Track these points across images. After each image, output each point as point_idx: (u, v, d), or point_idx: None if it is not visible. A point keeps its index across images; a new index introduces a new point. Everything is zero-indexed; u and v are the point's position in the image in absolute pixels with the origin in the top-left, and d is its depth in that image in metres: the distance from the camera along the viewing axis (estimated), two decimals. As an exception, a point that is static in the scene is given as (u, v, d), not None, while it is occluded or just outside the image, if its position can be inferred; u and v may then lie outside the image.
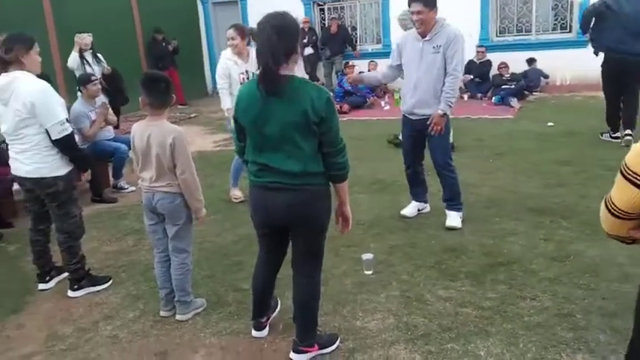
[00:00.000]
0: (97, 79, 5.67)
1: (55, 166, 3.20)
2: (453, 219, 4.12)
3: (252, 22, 11.93)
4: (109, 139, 5.61)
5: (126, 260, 3.95)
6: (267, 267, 2.72)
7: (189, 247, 3.07)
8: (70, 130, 3.21)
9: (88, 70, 6.33)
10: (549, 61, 10.06)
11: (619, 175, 1.25)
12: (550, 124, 7.41)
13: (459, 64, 3.90)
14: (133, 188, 5.68)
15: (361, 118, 9.06)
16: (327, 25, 12.04)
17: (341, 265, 3.61)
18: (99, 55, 6.66)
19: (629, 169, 1.21)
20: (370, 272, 3.46)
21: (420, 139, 4.19)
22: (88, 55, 6.36)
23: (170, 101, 2.91)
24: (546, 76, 10.09)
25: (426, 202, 4.45)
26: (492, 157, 6.02)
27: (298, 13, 12.14)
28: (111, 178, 5.75)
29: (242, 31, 4.86)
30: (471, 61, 10.34)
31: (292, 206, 2.37)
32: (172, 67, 10.95)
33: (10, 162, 3.29)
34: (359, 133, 7.88)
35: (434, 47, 3.87)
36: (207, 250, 3.96)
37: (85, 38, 6.30)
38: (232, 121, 2.54)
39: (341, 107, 9.70)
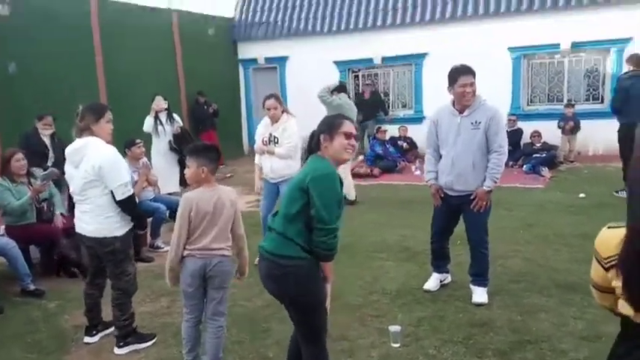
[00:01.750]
0: (140, 142, 6.00)
1: (115, 227, 3.46)
2: (480, 295, 4.10)
3: (289, 87, 12.52)
4: (149, 199, 5.89)
5: (159, 322, 4.08)
6: (293, 338, 2.78)
7: (226, 309, 3.22)
8: (132, 191, 3.49)
9: (160, 130, 6.69)
10: (582, 131, 10.11)
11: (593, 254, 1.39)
12: (582, 195, 7.39)
13: (504, 141, 3.96)
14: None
15: (392, 183, 9.20)
16: (360, 90, 12.45)
17: (368, 335, 3.65)
18: (174, 115, 7.06)
19: (595, 250, 1.37)
20: (397, 345, 3.49)
21: (453, 216, 4.22)
22: (163, 116, 6.78)
23: None
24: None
25: (447, 272, 4.44)
26: (522, 228, 6.02)
27: (334, 79, 12.72)
28: (148, 237, 5.98)
29: (280, 100, 5.17)
30: (502, 129, 10.47)
31: (270, 278, 2.54)
32: (212, 129, 11.44)
33: (75, 221, 3.59)
34: (388, 198, 8.01)
35: (472, 123, 3.93)
36: (236, 314, 4.05)
37: (161, 104, 6.74)
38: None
39: (372, 171, 9.89)
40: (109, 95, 9.53)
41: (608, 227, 1.38)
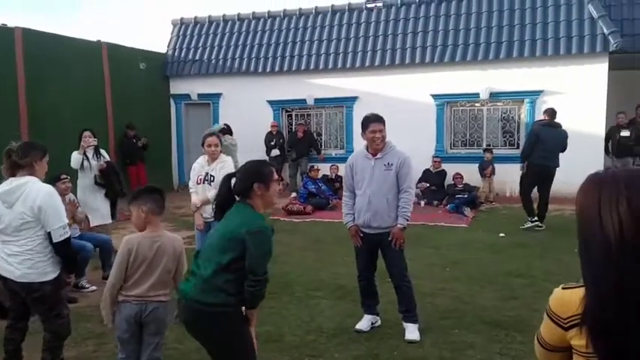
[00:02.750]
0: (66, 178, 5.76)
1: (44, 272, 3.27)
2: (412, 332, 4.25)
3: (221, 123, 12.48)
4: (74, 237, 5.61)
5: (85, 368, 3.87)
6: None
7: (162, 355, 3.12)
8: (69, 233, 3.35)
9: (86, 165, 6.50)
10: (499, 174, 10.83)
11: (545, 313, 1.45)
12: (502, 234, 7.86)
13: (413, 182, 4.40)
14: (95, 287, 5.63)
15: (324, 220, 9.33)
16: (294, 129, 12.68)
17: (305, 376, 3.65)
18: (102, 150, 6.88)
19: (551, 309, 1.42)
20: (334, 385, 3.52)
21: (374, 252, 4.42)
22: (90, 152, 6.58)
23: None
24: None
25: (377, 314, 4.56)
26: (448, 265, 6.30)
27: (267, 117, 12.86)
28: (72, 277, 5.66)
29: (221, 139, 5.19)
30: (427, 171, 11.01)
31: (194, 325, 2.58)
32: (140, 163, 11.15)
33: (0, 262, 3.32)
34: (321, 235, 8.12)
35: (385, 165, 4.25)
36: (169, 357, 3.90)
37: (90, 140, 6.58)
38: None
39: (304, 208, 10.00)
40: (31, 126, 9.10)
41: (563, 288, 1.42)
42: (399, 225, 4.22)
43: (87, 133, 6.70)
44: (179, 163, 13.33)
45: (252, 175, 2.63)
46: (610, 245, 1.27)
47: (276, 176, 2.69)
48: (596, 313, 1.30)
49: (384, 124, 4.27)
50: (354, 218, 4.38)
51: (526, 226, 8.16)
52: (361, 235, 4.35)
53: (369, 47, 12.02)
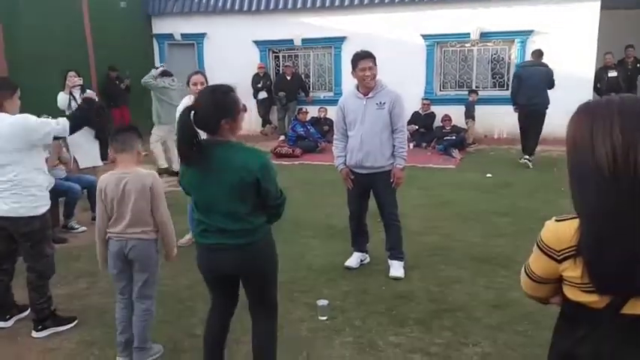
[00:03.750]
0: (48, 117, 5.61)
1: (33, 207, 3.26)
2: (396, 269, 4.32)
3: (208, 65, 12.18)
4: (60, 178, 5.55)
5: (79, 304, 3.91)
6: (220, 315, 2.77)
7: (155, 292, 3.13)
8: (61, 124, 3.40)
9: (74, 106, 6.33)
10: (488, 116, 10.80)
11: (535, 246, 1.45)
12: (489, 175, 7.93)
13: (405, 121, 4.33)
14: (84, 228, 5.64)
15: (313, 163, 9.33)
16: (281, 71, 12.41)
17: (295, 310, 3.73)
18: (88, 90, 6.70)
19: (543, 242, 1.41)
20: (325, 318, 3.60)
21: (366, 192, 4.41)
22: (77, 92, 6.40)
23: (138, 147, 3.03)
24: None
25: (366, 252, 4.63)
26: (438, 205, 6.38)
27: (254, 58, 12.51)
28: (61, 218, 5.66)
29: (206, 77, 5.01)
30: (416, 113, 10.93)
31: (236, 264, 2.52)
32: (124, 105, 10.91)
33: None
34: (310, 177, 8.13)
35: (377, 104, 4.16)
36: (162, 293, 3.92)
37: (75, 80, 6.38)
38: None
39: (293, 151, 9.96)
40: (10, 67, 8.78)
41: (556, 220, 1.40)
42: (397, 165, 4.21)
43: (72, 73, 6.51)
44: (164, 105, 13.05)
45: (217, 111, 2.41)
46: (603, 173, 1.27)
47: (241, 106, 2.55)
48: (591, 241, 1.30)
49: (375, 62, 4.15)
50: (345, 161, 4.34)
51: (522, 161, 8.53)
52: (352, 177, 4.33)
53: (359, -15, 11.62)
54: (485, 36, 11.08)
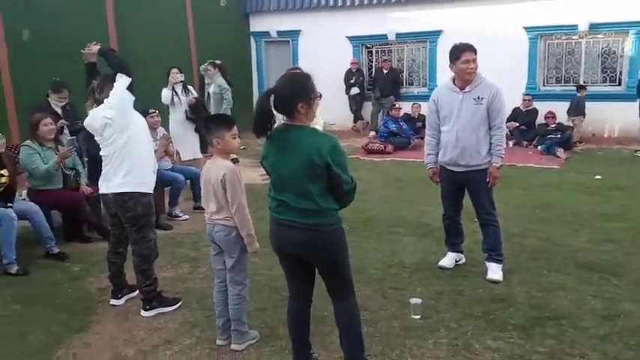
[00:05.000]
0: (154, 112, 5.99)
1: (137, 183, 3.55)
2: (494, 271, 4.13)
3: (302, 61, 12.40)
4: (166, 169, 5.92)
5: (182, 287, 4.14)
6: (297, 299, 2.85)
7: (245, 279, 3.23)
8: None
9: (176, 101, 6.76)
10: (597, 113, 10.04)
11: None
12: (598, 176, 7.38)
13: (504, 117, 4.11)
14: (187, 217, 5.98)
15: (405, 159, 9.19)
16: (374, 66, 12.32)
17: (388, 307, 3.70)
18: (189, 87, 7.15)
19: None
20: (418, 317, 3.53)
21: (461, 190, 4.25)
22: (179, 88, 6.84)
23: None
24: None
25: (462, 252, 4.47)
26: (539, 207, 6.03)
27: (347, 54, 12.52)
28: (167, 206, 6.03)
29: None
30: (517, 109, 10.42)
31: (303, 244, 2.60)
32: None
33: (100, 183, 3.65)
34: (402, 174, 8.02)
35: (475, 99, 3.98)
36: (258, 282, 4.10)
37: (177, 76, 6.82)
38: None
39: (385, 147, 9.88)
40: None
41: None
42: (494, 164, 4.03)
43: (174, 70, 6.90)
44: (260, 100, 13.48)
45: (295, 94, 2.53)
46: None
47: (317, 91, 2.61)
48: None
49: (476, 54, 3.98)
50: (435, 160, 4.23)
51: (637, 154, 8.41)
52: (438, 180, 4.26)
53: (456, -24, 11.25)
54: (594, 27, 10.30)
